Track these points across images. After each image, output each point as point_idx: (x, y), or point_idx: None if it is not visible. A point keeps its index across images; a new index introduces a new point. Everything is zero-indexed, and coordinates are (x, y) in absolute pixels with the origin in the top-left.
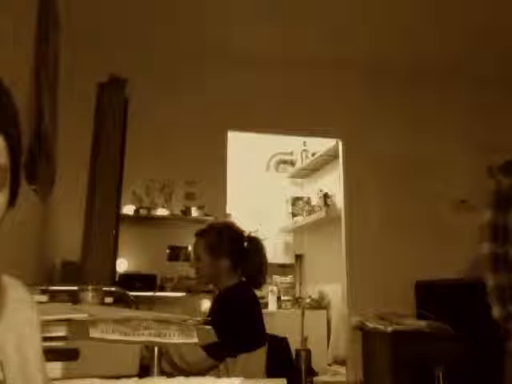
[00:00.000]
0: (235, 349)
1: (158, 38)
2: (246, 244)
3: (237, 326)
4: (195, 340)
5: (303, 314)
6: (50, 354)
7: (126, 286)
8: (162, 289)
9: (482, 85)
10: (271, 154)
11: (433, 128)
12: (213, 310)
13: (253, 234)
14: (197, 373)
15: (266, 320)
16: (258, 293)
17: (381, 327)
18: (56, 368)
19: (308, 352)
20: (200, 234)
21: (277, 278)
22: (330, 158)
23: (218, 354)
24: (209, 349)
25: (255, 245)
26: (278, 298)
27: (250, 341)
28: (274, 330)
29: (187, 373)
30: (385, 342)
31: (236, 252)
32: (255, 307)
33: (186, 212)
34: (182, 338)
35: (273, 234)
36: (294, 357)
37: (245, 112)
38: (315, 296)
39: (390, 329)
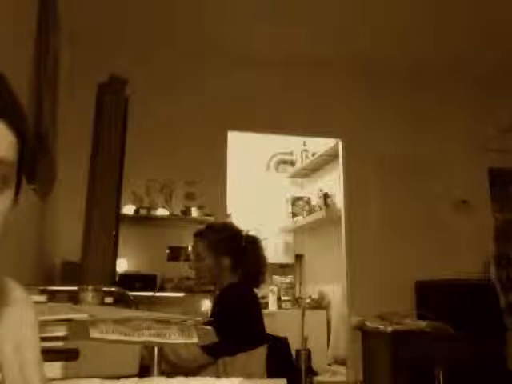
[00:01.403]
0: (232, 347)
1: (158, 38)
2: (244, 243)
3: (235, 324)
4: (195, 340)
5: (303, 314)
6: (50, 354)
7: (126, 286)
8: (162, 289)
9: (482, 85)
10: (271, 153)
11: (433, 128)
12: (214, 309)
13: (250, 233)
14: (192, 369)
15: (266, 320)
16: (258, 293)
17: (381, 327)
18: (56, 368)
19: (308, 352)
20: (199, 235)
21: (277, 278)
22: (330, 158)
23: (215, 352)
24: (205, 346)
25: (253, 243)
26: (278, 298)
27: (248, 340)
28: (274, 330)
29: (181, 368)
30: (385, 341)
31: (236, 250)
32: (255, 306)
33: (186, 212)
34: (183, 338)
35: (273, 234)
36: (294, 357)
37: (245, 112)
38: (315, 296)
39: (389, 329)
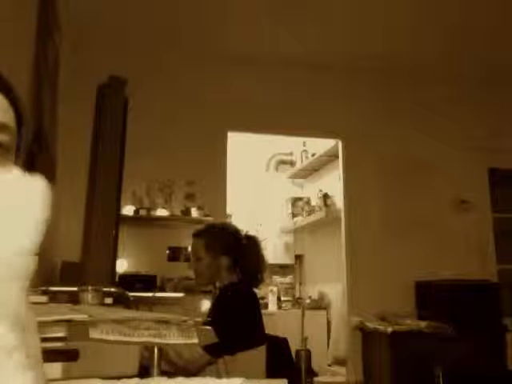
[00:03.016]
0: (232, 346)
1: (158, 38)
2: (242, 242)
3: (235, 323)
4: (195, 340)
5: (303, 314)
6: (50, 355)
7: (125, 287)
8: (162, 289)
9: (482, 85)
10: (271, 154)
11: (433, 128)
12: (213, 308)
13: (249, 233)
14: (193, 369)
15: (266, 320)
16: (258, 293)
17: (381, 327)
18: (56, 368)
19: (308, 352)
20: (198, 235)
21: (277, 279)
22: (329, 158)
23: (215, 351)
24: (206, 346)
25: (252, 243)
26: (278, 299)
27: (248, 339)
28: (274, 331)
29: (183, 368)
30: (385, 342)
31: (234, 250)
32: (255, 306)
33: (186, 212)
34: (182, 339)
35: (273, 235)
36: (294, 357)
37: (245, 112)
38: (315, 296)
39: (389, 329)
